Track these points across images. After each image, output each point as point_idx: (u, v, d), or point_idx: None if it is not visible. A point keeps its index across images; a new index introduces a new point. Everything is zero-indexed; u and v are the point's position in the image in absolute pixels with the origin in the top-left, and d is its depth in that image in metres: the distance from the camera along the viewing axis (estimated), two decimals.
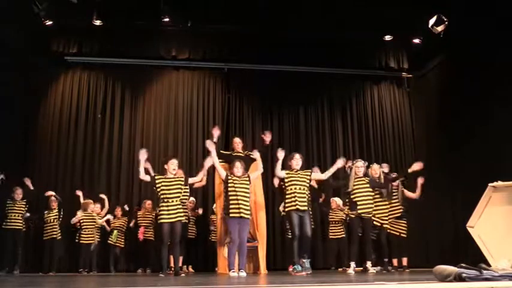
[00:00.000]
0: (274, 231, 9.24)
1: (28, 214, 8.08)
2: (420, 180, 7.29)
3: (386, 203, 7.10)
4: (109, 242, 8.68)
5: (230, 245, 6.02)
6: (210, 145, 6.36)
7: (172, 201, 6.06)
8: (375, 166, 7.22)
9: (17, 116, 8.88)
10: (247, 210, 6.03)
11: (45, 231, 8.21)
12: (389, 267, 6.98)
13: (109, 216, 8.68)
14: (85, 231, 8.39)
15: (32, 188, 8.06)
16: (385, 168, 7.50)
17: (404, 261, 7.25)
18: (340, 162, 6.42)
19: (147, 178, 6.19)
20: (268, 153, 7.34)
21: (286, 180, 6.23)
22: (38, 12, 8.02)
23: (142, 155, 6.18)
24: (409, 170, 7.18)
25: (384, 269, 6.90)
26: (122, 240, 8.78)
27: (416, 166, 7.12)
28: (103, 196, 8.80)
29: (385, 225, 7.06)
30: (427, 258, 9.16)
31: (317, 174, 6.46)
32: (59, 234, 8.23)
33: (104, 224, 8.66)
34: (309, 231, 6.11)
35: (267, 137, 6.93)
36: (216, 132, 7.04)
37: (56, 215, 8.23)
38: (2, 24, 7.62)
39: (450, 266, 2.83)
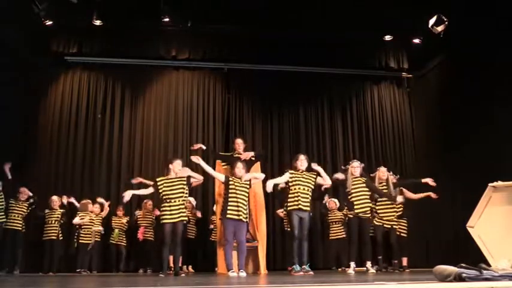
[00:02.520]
0: (274, 231, 9.24)
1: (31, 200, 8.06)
2: (432, 195, 7.35)
3: (394, 205, 7.11)
4: (111, 241, 8.69)
5: (225, 245, 6.02)
6: (197, 159, 6.31)
7: (175, 201, 6.04)
8: (383, 169, 7.26)
9: (17, 116, 8.88)
10: (245, 213, 6.01)
11: (45, 232, 8.20)
12: (400, 269, 6.99)
13: (100, 229, 8.60)
14: (84, 231, 8.38)
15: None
16: (384, 171, 7.36)
17: (404, 261, 7.26)
18: (315, 166, 6.33)
19: (150, 190, 6.33)
20: (267, 154, 7.34)
21: (290, 180, 6.21)
22: (38, 12, 8.02)
23: (129, 195, 6.25)
24: (423, 180, 7.24)
25: (394, 269, 6.92)
26: (124, 239, 8.78)
27: (430, 181, 7.17)
28: (101, 200, 8.75)
29: (394, 226, 7.08)
30: (427, 258, 9.17)
31: (321, 180, 6.42)
32: (60, 235, 8.23)
33: (99, 230, 8.59)
34: (306, 233, 6.12)
35: (247, 156, 6.93)
36: (197, 146, 7.21)
37: (57, 217, 8.21)
38: (2, 24, 7.63)
39: (450, 266, 2.83)
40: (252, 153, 7.02)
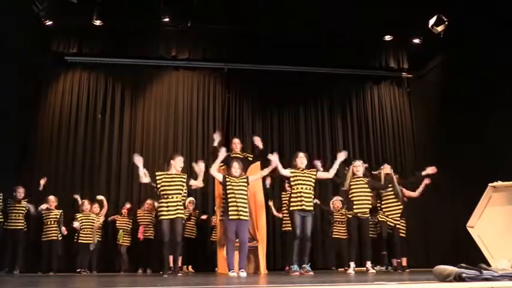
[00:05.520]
0: (274, 231, 9.23)
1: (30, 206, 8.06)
2: (426, 181, 7.29)
3: (399, 203, 7.12)
4: (117, 242, 8.69)
5: (228, 244, 6.00)
6: (222, 153, 6.24)
7: (173, 198, 6.00)
8: (387, 166, 7.34)
9: (17, 116, 8.87)
10: (245, 211, 6.00)
11: (44, 233, 8.18)
12: (399, 269, 7.00)
13: (102, 218, 8.63)
14: (84, 231, 8.36)
15: (40, 188, 8.00)
16: (387, 169, 7.41)
17: (404, 261, 7.25)
18: (342, 156, 6.37)
19: (148, 179, 6.14)
20: (267, 152, 7.32)
21: (291, 179, 6.19)
22: (37, 12, 8.02)
23: (138, 160, 6.13)
24: (423, 173, 7.14)
25: (396, 269, 6.93)
26: (128, 239, 8.77)
27: (430, 170, 7.06)
28: (100, 197, 8.73)
29: (397, 225, 7.10)
30: (427, 258, 9.17)
31: (323, 173, 6.43)
32: (60, 235, 8.22)
33: (101, 222, 8.59)
34: (309, 233, 6.10)
35: (258, 142, 6.92)
36: (217, 137, 6.99)
37: (55, 216, 8.20)
38: (2, 24, 7.62)
39: (450, 266, 2.83)
40: (260, 145, 6.99)
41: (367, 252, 6.49)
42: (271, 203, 8.23)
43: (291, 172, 6.22)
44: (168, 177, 6.08)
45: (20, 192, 7.94)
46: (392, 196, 7.09)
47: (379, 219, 7.12)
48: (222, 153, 6.28)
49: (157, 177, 6.07)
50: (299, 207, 6.05)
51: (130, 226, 8.80)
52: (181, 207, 6.13)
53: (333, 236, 8.45)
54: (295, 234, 6.09)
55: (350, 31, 9.31)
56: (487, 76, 7.97)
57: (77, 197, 8.59)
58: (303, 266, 6.01)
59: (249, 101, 10.41)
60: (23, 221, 7.93)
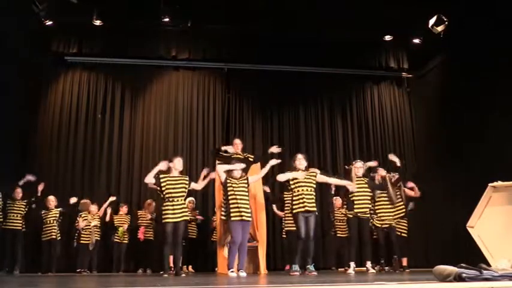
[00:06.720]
0: (274, 231, 9.23)
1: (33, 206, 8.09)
2: (409, 184, 7.54)
3: (398, 204, 7.15)
4: (115, 240, 8.67)
5: (232, 245, 5.99)
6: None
7: (178, 200, 5.98)
8: (381, 171, 7.33)
9: (17, 116, 8.87)
10: (247, 212, 6.00)
11: (43, 233, 8.18)
12: (400, 269, 7.00)
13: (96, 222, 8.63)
14: (84, 231, 8.38)
15: (38, 194, 8.01)
16: (382, 171, 7.43)
17: (404, 261, 7.26)
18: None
19: (153, 181, 6.06)
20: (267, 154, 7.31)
21: (291, 182, 6.19)
22: (37, 12, 8.02)
23: (164, 165, 6.09)
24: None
25: (394, 269, 6.93)
26: (127, 237, 8.76)
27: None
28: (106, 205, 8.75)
29: (393, 225, 7.10)
30: (427, 258, 9.17)
31: (323, 177, 6.44)
32: (58, 234, 8.21)
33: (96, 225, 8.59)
34: (312, 233, 6.09)
35: (275, 149, 6.90)
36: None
37: (55, 216, 8.19)
38: (2, 24, 7.62)
39: (450, 266, 2.83)
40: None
41: (367, 252, 6.49)
42: (274, 205, 8.23)
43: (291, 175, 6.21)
44: (171, 180, 6.05)
45: (18, 192, 7.93)
46: (386, 199, 7.10)
47: (376, 225, 7.14)
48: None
49: (162, 179, 6.02)
50: (302, 209, 6.05)
51: (128, 224, 8.80)
52: (186, 210, 6.13)
53: (338, 235, 8.44)
54: (299, 236, 6.09)
55: (350, 31, 9.31)
56: (487, 76, 7.97)
57: (74, 200, 8.55)
58: (307, 266, 6.00)
59: (249, 101, 10.41)
60: (21, 221, 7.93)
